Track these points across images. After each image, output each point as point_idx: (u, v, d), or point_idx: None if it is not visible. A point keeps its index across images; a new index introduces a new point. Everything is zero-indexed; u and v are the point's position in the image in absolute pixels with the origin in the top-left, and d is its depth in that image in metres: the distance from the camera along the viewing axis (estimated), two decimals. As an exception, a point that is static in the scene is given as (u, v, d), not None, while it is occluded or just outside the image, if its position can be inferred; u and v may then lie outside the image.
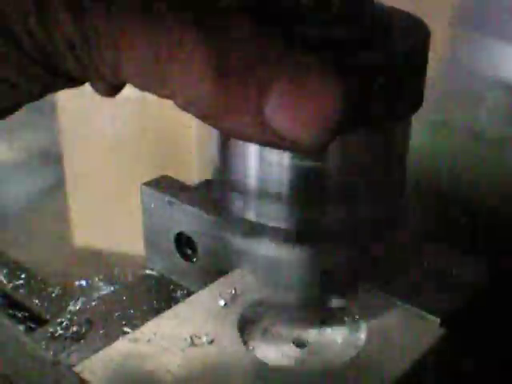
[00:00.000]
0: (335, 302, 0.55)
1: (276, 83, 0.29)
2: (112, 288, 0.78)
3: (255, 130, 0.30)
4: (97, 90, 0.39)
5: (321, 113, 0.29)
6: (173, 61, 0.29)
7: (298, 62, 0.30)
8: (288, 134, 0.30)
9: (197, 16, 0.29)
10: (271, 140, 0.31)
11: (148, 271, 0.68)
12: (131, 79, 0.31)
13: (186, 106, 0.31)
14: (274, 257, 0.43)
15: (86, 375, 0.48)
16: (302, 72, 0.30)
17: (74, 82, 0.33)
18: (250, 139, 0.32)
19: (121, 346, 0.51)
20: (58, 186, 1.16)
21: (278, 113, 0.29)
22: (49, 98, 1.12)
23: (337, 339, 0.53)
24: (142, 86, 0.31)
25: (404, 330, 0.53)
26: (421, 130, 0.71)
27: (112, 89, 0.38)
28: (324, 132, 0.29)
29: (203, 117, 0.31)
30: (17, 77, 0.31)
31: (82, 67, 0.31)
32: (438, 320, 0.53)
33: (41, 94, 0.34)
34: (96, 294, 0.81)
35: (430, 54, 0.40)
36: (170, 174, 0.69)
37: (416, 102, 0.40)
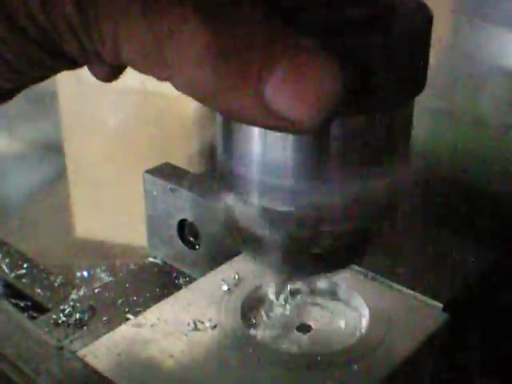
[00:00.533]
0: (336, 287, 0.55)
1: (276, 65, 0.29)
2: (113, 278, 0.78)
3: (255, 112, 0.30)
4: (95, 74, 0.39)
5: (319, 92, 0.29)
6: (173, 42, 0.29)
7: (297, 45, 0.30)
8: (288, 114, 0.30)
9: None
10: (271, 121, 0.31)
11: (150, 259, 0.69)
12: (131, 61, 0.31)
13: (185, 88, 0.31)
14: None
15: (90, 360, 0.48)
16: (301, 54, 0.30)
17: (74, 64, 0.33)
18: (250, 121, 0.32)
19: (124, 331, 0.51)
20: (59, 177, 1.16)
21: (278, 94, 0.30)
22: (50, 88, 1.12)
23: (340, 324, 0.53)
24: (142, 68, 0.31)
25: (407, 315, 0.53)
26: (423, 117, 0.71)
27: (110, 73, 0.38)
28: (322, 111, 0.30)
29: (203, 99, 0.31)
30: (17, 59, 0.31)
31: (82, 49, 0.31)
32: (441, 305, 0.53)
33: (42, 77, 0.34)
34: (98, 285, 0.81)
35: (433, 41, 0.40)
36: (172, 163, 0.69)
37: (419, 85, 0.40)
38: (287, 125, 0.31)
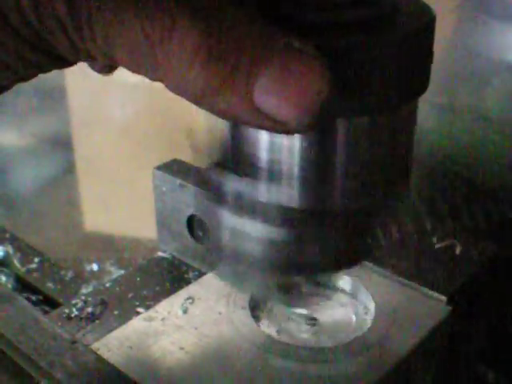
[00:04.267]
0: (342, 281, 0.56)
1: (264, 66, 0.30)
2: (123, 272, 0.79)
3: (246, 113, 0.31)
4: (92, 68, 0.40)
5: (305, 93, 0.30)
6: (163, 44, 0.30)
7: (287, 46, 0.31)
8: (276, 115, 0.31)
9: (190, 1, 0.30)
10: (260, 122, 0.31)
11: (160, 253, 0.69)
12: (123, 62, 0.31)
13: (176, 89, 0.31)
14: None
15: (103, 353, 0.49)
16: (290, 55, 0.30)
17: (66, 62, 0.33)
18: (241, 121, 0.33)
19: (136, 325, 0.52)
20: (68, 171, 1.17)
21: (267, 95, 0.30)
22: (59, 83, 1.12)
23: (346, 317, 0.54)
24: (134, 69, 0.32)
25: (411, 308, 0.54)
26: (426, 113, 0.71)
27: (107, 67, 0.39)
28: (309, 112, 0.30)
29: (194, 100, 0.32)
30: (9, 58, 0.32)
31: (73, 49, 0.31)
32: (445, 298, 0.54)
33: (34, 74, 0.34)
34: (107, 278, 0.82)
35: (436, 37, 0.40)
36: (180, 158, 0.70)
37: (422, 84, 0.41)
38: (275, 125, 0.31)
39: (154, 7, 0.30)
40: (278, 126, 0.31)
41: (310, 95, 0.30)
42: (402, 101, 0.40)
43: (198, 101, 0.32)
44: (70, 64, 0.34)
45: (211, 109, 0.32)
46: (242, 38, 0.30)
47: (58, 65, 0.34)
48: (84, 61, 0.33)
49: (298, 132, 0.33)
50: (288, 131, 0.32)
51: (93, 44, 0.31)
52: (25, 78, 0.34)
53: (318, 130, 0.38)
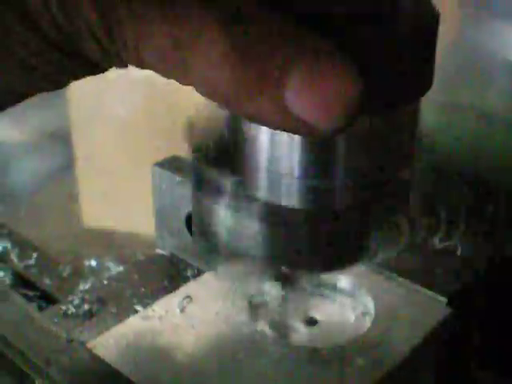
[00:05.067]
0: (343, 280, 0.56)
1: (296, 69, 0.29)
2: (122, 268, 0.79)
3: (276, 116, 0.30)
4: None
5: (339, 97, 0.29)
6: (194, 48, 0.29)
7: (315, 47, 0.30)
8: (308, 118, 0.30)
9: (218, 3, 0.30)
10: (292, 125, 0.31)
11: (158, 251, 0.69)
12: (153, 66, 0.31)
13: (207, 94, 0.31)
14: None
15: (99, 351, 0.49)
16: (320, 57, 0.30)
17: (95, 67, 0.33)
18: (271, 125, 0.32)
19: (133, 323, 0.52)
20: (67, 167, 1.16)
21: (298, 98, 0.30)
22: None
23: (345, 318, 0.54)
24: (165, 74, 0.31)
25: (411, 309, 0.54)
26: (429, 111, 0.71)
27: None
28: (342, 116, 0.30)
29: (225, 103, 0.31)
30: (36, 62, 0.31)
31: (104, 53, 0.31)
32: (445, 299, 0.54)
33: (66, 81, 0.34)
34: (106, 274, 0.82)
35: (440, 35, 0.40)
36: (180, 155, 0.69)
37: (426, 83, 0.41)
38: (307, 129, 0.31)
39: (182, 11, 0.29)
40: (310, 130, 0.31)
41: (343, 99, 0.30)
42: (405, 100, 0.40)
43: (228, 105, 0.31)
44: (102, 70, 0.34)
45: (242, 113, 0.32)
46: (272, 41, 0.30)
47: (89, 70, 0.33)
48: (115, 65, 0.33)
49: (329, 136, 0.32)
50: (320, 135, 0.31)
51: (123, 48, 0.30)
52: (56, 86, 0.34)
53: None
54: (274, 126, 0.32)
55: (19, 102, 0.35)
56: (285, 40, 0.30)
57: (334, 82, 0.29)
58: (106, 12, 0.29)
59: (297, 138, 0.38)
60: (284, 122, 0.31)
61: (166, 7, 0.29)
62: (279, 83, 0.29)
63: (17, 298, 0.53)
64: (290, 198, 0.40)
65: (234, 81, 0.30)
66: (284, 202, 0.40)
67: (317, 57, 0.30)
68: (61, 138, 1.19)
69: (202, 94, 0.31)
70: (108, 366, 0.47)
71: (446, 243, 0.59)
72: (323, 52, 0.30)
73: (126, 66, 0.32)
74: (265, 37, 0.30)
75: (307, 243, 0.42)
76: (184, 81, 0.31)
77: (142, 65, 0.31)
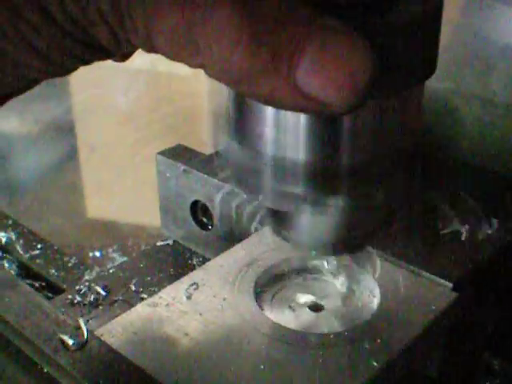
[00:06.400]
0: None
1: (307, 47, 0.29)
2: (125, 258, 0.79)
3: (288, 94, 0.30)
4: None
5: (351, 74, 0.30)
6: (205, 28, 0.29)
7: (327, 27, 0.30)
8: (320, 96, 0.30)
9: None
10: (303, 104, 0.31)
11: (163, 242, 0.69)
12: (163, 49, 0.31)
13: (218, 74, 0.31)
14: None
15: (107, 338, 0.49)
16: (331, 36, 0.30)
17: (106, 54, 0.33)
18: (282, 104, 0.32)
19: (140, 311, 0.52)
20: (71, 158, 1.17)
21: (310, 76, 0.30)
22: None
23: (351, 303, 0.54)
24: (174, 56, 0.31)
25: (417, 294, 0.54)
26: (432, 97, 0.71)
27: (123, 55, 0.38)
28: (355, 93, 0.30)
29: (237, 83, 0.31)
30: (48, 48, 0.31)
31: (114, 38, 0.31)
32: (451, 285, 0.54)
33: (75, 67, 0.34)
34: (110, 264, 0.82)
35: (443, 21, 0.40)
36: (184, 144, 0.69)
37: (430, 67, 0.41)
38: (320, 107, 0.31)
39: None
40: (323, 108, 0.31)
41: (355, 74, 0.30)
42: (409, 84, 0.40)
43: (240, 85, 0.31)
44: (111, 55, 0.34)
45: (253, 93, 0.32)
46: (283, 20, 0.30)
47: (99, 56, 0.33)
48: (125, 51, 0.33)
49: (343, 113, 0.32)
50: (333, 113, 0.31)
51: (134, 33, 0.30)
52: (66, 72, 0.34)
53: None
54: (286, 106, 0.32)
55: (29, 88, 0.35)
56: (297, 19, 0.30)
57: (345, 60, 0.29)
58: None
59: None
60: (296, 101, 0.31)
61: None
62: (291, 61, 0.30)
63: (24, 288, 0.53)
64: None
65: (247, 60, 0.30)
66: None
67: (328, 35, 0.30)
68: (64, 130, 1.19)
69: (214, 76, 0.31)
70: (116, 352, 0.47)
71: (451, 228, 0.60)
72: (335, 31, 0.30)
73: (133, 52, 0.32)
74: (275, 15, 0.30)
75: None
76: (194, 62, 0.31)
77: (152, 49, 0.31)
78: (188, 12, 0.29)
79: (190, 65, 0.31)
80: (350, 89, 0.30)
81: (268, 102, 0.33)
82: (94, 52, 0.32)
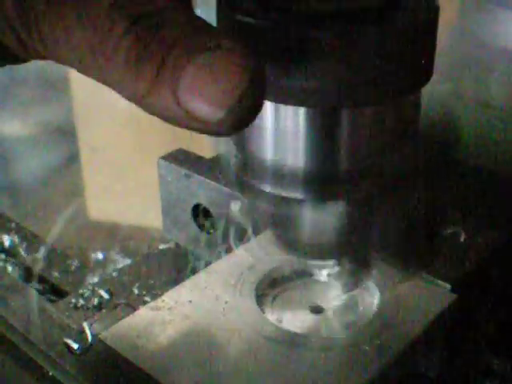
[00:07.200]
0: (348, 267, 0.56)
1: (188, 64, 0.30)
2: (128, 261, 0.79)
3: (174, 112, 0.31)
4: None
5: (224, 92, 0.30)
6: (102, 48, 0.30)
7: (216, 45, 0.30)
8: (199, 113, 0.30)
9: (130, 4, 0.30)
10: (189, 122, 0.31)
11: (166, 245, 0.70)
12: (69, 63, 0.32)
13: (118, 92, 0.32)
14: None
15: (111, 342, 0.50)
16: (215, 53, 0.30)
17: (16, 59, 0.34)
18: (170, 121, 0.32)
19: (143, 314, 0.52)
20: (73, 161, 1.17)
21: (190, 93, 0.30)
22: (61, 74, 1.11)
23: (351, 305, 0.55)
24: (80, 70, 0.32)
25: (416, 295, 0.54)
26: (430, 100, 0.71)
27: None
28: (225, 107, 0.30)
29: (129, 99, 0.32)
30: None
31: (23, 48, 0.32)
32: (449, 286, 0.54)
33: None
34: (113, 267, 0.82)
35: (441, 25, 0.40)
36: (184, 147, 0.70)
37: (425, 74, 0.41)
38: (201, 125, 0.31)
39: (95, 12, 0.30)
40: (204, 127, 0.31)
41: (227, 92, 0.30)
42: (405, 91, 0.40)
43: (136, 103, 0.32)
44: (23, 61, 0.34)
45: (147, 110, 0.32)
46: (170, 40, 0.30)
47: (10, 60, 0.34)
48: (35, 59, 0.33)
49: (222, 133, 0.31)
50: (216, 132, 0.31)
51: (41, 44, 0.31)
52: None
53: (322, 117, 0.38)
54: (173, 121, 0.32)
55: None
56: (184, 37, 0.30)
57: (221, 75, 0.30)
58: (25, 11, 0.30)
59: None
60: (182, 118, 0.31)
61: (79, 7, 0.30)
62: (173, 80, 0.30)
63: (28, 291, 0.53)
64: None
65: (135, 79, 0.30)
66: None
67: (210, 54, 0.30)
68: (65, 132, 1.19)
69: (117, 92, 0.32)
70: (120, 356, 0.47)
71: (449, 230, 0.60)
72: (218, 49, 0.30)
73: (44, 59, 0.32)
74: (166, 35, 0.30)
75: None
76: (99, 79, 0.32)
77: (60, 62, 0.32)
78: (88, 29, 0.30)
79: (97, 80, 0.32)
80: (220, 106, 0.30)
81: (161, 118, 0.33)
82: (3, 56, 0.33)
